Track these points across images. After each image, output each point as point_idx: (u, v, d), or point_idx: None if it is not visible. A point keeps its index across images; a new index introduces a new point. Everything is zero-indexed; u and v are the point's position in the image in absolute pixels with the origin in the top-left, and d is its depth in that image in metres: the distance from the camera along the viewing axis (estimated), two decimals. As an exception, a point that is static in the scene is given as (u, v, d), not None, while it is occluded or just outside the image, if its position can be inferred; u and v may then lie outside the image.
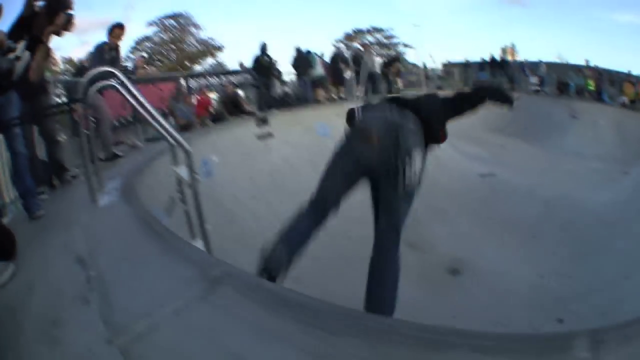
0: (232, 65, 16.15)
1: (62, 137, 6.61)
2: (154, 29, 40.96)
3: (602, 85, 22.78)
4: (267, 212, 9.71)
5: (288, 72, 15.85)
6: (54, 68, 11.74)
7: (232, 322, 2.26)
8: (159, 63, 40.03)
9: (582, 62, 24.91)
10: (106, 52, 7.12)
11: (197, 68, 38.73)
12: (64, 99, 7.87)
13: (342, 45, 33.96)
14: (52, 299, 2.97)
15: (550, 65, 26.26)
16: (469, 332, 2.35)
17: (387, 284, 4.26)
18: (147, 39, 40.69)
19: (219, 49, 41.98)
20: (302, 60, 14.33)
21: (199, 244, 4.68)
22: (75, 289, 2.93)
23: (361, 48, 17.91)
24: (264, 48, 13.10)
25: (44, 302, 2.96)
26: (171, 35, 41.39)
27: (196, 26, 41.77)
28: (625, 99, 20.94)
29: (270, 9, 58.26)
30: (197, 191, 4.91)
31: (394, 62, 17.70)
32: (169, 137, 4.35)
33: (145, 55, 38.27)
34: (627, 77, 21.93)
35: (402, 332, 2.28)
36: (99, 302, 2.67)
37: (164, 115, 11.06)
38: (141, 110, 4.21)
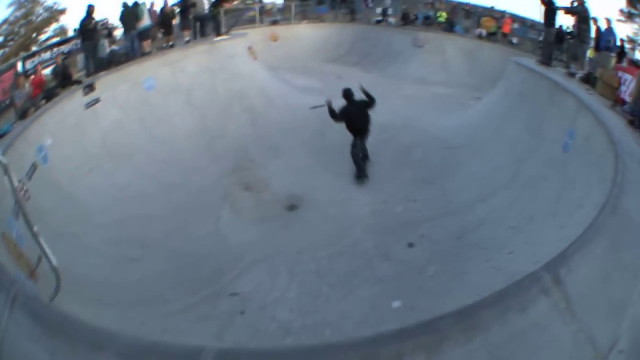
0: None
1: None
2: (12, 9, 36.23)
3: (456, 17, 24.28)
4: (106, 184, 9.98)
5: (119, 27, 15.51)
6: None
7: None
8: (10, 43, 35.60)
9: None
10: None
11: (42, 38, 35.22)
12: None
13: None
14: None
15: None
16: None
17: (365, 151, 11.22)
18: (5, 21, 35.89)
19: (62, 12, 38.11)
20: (129, 14, 14.08)
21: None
22: None
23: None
24: (89, 10, 12.53)
25: None
26: (24, 10, 36.76)
27: None
28: (482, 31, 22.51)
29: None
30: (19, 199, 5.18)
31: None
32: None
33: None
34: (489, 12, 23.84)
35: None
36: None
37: (6, 107, 10.84)
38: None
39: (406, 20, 25.07)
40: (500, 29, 22.33)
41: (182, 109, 13.56)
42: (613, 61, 12.11)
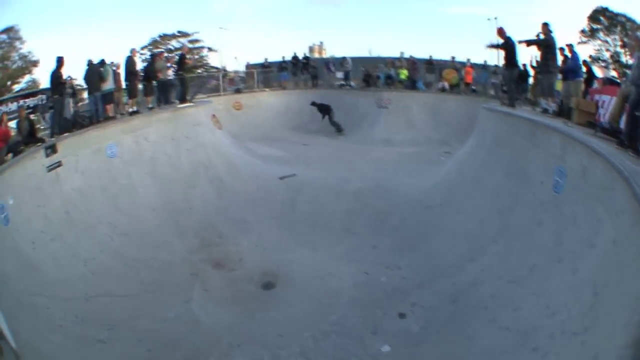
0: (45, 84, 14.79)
1: None
2: None
3: (417, 73, 24.95)
4: (67, 254, 9.51)
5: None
6: None
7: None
8: None
9: (397, 55, 27.21)
10: None
11: (16, 88, 34.76)
12: None
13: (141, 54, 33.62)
14: None
15: (359, 60, 28.61)
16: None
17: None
18: None
19: (35, 64, 37.94)
20: (93, 74, 13.98)
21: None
22: None
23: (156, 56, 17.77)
24: (59, 61, 12.31)
25: None
26: (1, 52, 36.50)
27: (20, 40, 37.12)
28: (445, 84, 23.26)
29: (86, 16, 54.50)
30: None
31: (183, 60, 17.92)
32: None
33: None
34: (451, 64, 24.44)
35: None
36: None
37: None
38: None
39: (368, 81, 26.16)
40: (463, 80, 23.18)
41: (145, 179, 13.34)
42: (583, 87, 12.33)
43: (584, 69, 13.12)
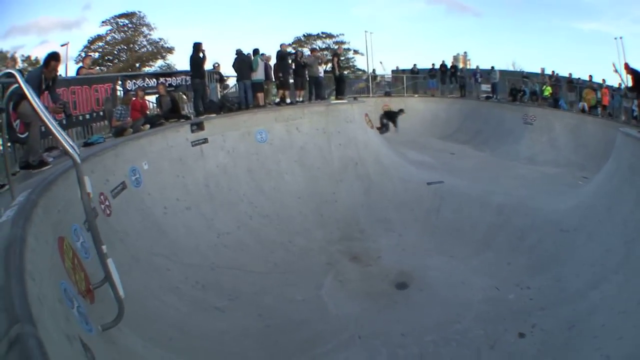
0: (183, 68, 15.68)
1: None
2: (108, 27, 40.57)
3: (559, 91, 23.55)
4: (201, 224, 9.71)
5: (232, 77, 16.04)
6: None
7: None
8: (109, 64, 39.39)
9: (541, 70, 25.77)
10: (42, 82, 7.07)
11: (147, 70, 38.32)
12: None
13: (290, 50, 34.75)
14: None
15: (504, 73, 27.11)
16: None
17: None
18: (99, 38, 40.19)
19: (170, 50, 41.79)
20: (243, 63, 14.47)
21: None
22: None
23: (308, 53, 17.98)
24: (196, 47, 13.00)
25: None
26: (123, 35, 40.81)
27: (148, 26, 41.51)
28: (584, 105, 21.65)
29: (225, 13, 58.98)
30: (88, 207, 4.51)
31: (335, 57, 17.96)
32: (62, 146, 4.05)
33: (94, 55, 37.87)
34: (589, 84, 22.75)
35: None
36: None
37: (100, 118, 11.16)
38: (42, 118, 4.03)
39: (514, 96, 24.55)
40: (600, 101, 21.28)
41: (293, 167, 13.46)
42: None
43: None
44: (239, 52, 14.48)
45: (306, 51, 24.29)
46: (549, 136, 21.02)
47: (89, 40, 39.46)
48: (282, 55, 15.89)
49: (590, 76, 22.93)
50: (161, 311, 6.59)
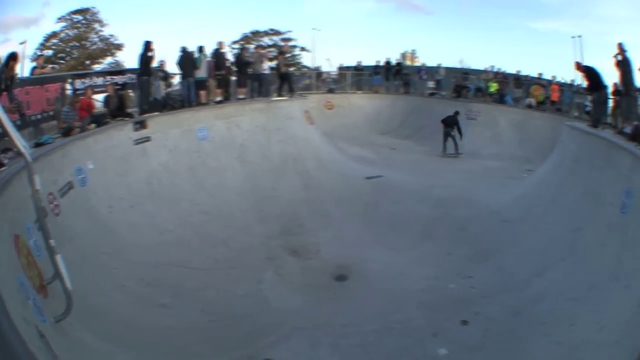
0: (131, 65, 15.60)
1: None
2: (63, 24, 38.89)
3: (506, 88, 24.31)
4: (144, 222, 9.85)
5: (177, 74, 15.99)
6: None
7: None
8: (62, 62, 38.07)
9: (489, 67, 26.57)
10: (2, 82, 7.15)
11: (97, 67, 37.21)
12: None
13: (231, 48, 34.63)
14: None
15: (450, 70, 27.82)
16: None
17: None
18: (54, 35, 38.47)
19: (119, 47, 40.68)
20: (187, 61, 14.52)
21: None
22: None
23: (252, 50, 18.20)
24: (147, 46, 13.04)
25: None
26: (76, 31, 39.48)
27: (100, 22, 39.94)
28: (532, 101, 22.58)
29: (174, 8, 57.69)
30: (38, 204, 4.86)
31: (280, 55, 18.38)
32: (16, 146, 4.30)
33: (48, 53, 36.49)
34: (537, 80, 23.77)
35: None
36: None
37: (51, 118, 11.12)
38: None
39: (459, 92, 25.42)
40: (549, 98, 22.36)
41: (234, 164, 13.73)
42: None
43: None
44: (183, 50, 14.50)
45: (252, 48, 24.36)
46: (493, 131, 21.90)
47: (44, 37, 37.78)
48: (218, 54, 16.01)
49: (540, 73, 23.95)
50: (109, 308, 6.72)
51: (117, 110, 12.00)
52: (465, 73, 27.25)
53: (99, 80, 14.09)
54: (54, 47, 38.43)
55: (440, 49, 71.26)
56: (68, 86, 12.67)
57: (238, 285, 8.87)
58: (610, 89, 13.04)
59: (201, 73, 14.84)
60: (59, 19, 38.69)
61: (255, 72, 16.85)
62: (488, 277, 9.25)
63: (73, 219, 7.82)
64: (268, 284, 9.17)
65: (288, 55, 40.94)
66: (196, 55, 14.75)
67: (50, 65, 33.07)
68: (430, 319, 7.89)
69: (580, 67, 12.52)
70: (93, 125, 10.81)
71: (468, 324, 7.70)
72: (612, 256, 7.28)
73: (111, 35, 40.44)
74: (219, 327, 7.36)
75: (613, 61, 11.36)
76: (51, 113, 11.17)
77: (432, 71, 27.18)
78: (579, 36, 18.15)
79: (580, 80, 13.50)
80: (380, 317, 7.98)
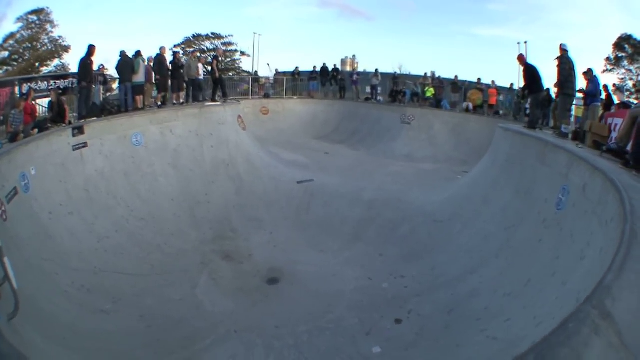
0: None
1: None
2: (20, 25, 37.39)
3: (442, 93, 25.10)
4: (83, 229, 9.92)
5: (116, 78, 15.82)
6: None
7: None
8: (15, 64, 36.44)
9: (428, 73, 27.69)
10: None
11: (45, 70, 35.91)
12: None
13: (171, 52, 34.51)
14: None
15: (387, 75, 28.63)
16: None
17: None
18: (12, 36, 36.79)
19: (66, 49, 39.26)
20: (126, 65, 14.47)
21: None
22: None
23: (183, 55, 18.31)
24: (90, 50, 12.90)
25: None
26: (30, 32, 37.86)
27: (52, 23, 38.59)
28: (469, 105, 23.14)
29: (115, 10, 56.43)
30: None
31: (214, 60, 18.51)
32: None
33: (4, 54, 35.42)
34: (475, 85, 24.38)
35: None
36: None
37: (1, 123, 10.91)
38: None
39: (395, 97, 26.09)
40: (487, 101, 23.06)
41: (167, 169, 13.81)
42: (600, 111, 12.32)
43: (603, 93, 13.03)
44: (122, 54, 14.44)
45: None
46: (427, 134, 22.50)
47: (3, 38, 36.57)
48: (160, 59, 16.01)
49: (479, 78, 24.58)
50: (54, 313, 6.87)
51: (57, 115, 11.91)
52: (395, 78, 27.94)
53: (42, 85, 13.84)
54: (10, 48, 37.19)
55: (381, 54, 73.16)
56: (17, 90, 12.51)
57: (174, 290, 9.11)
58: (552, 91, 13.65)
59: (139, 78, 14.79)
60: (18, 19, 37.68)
61: (190, 77, 16.96)
62: (421, 276, 9.57)
63: (19, 225, 7.93)
64: (202, 288, 9.42)
65: (228, 60, 41.03)
66: (134, 59, 14.67)
67: (5, 68, 31.96)
68: (363, 319, 8.19)
69: (523, 61, 12.77)
70: (36, 130, 10.77)
71: (402, 322, 7.96)
72: (549, 252, 7.40)
73: (60, 37, 39.39)
74: (157, 332, 7.54)
75: (555, 62, 11.68)
76: (1, 118, 11.10)
77: (371, 75, 27.66)
78: (525, 42, 18.79)
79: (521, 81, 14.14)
80: (313, 318, 8.27)
